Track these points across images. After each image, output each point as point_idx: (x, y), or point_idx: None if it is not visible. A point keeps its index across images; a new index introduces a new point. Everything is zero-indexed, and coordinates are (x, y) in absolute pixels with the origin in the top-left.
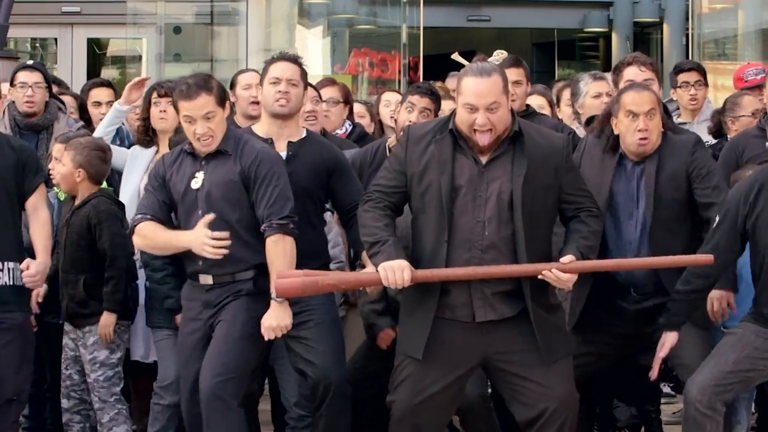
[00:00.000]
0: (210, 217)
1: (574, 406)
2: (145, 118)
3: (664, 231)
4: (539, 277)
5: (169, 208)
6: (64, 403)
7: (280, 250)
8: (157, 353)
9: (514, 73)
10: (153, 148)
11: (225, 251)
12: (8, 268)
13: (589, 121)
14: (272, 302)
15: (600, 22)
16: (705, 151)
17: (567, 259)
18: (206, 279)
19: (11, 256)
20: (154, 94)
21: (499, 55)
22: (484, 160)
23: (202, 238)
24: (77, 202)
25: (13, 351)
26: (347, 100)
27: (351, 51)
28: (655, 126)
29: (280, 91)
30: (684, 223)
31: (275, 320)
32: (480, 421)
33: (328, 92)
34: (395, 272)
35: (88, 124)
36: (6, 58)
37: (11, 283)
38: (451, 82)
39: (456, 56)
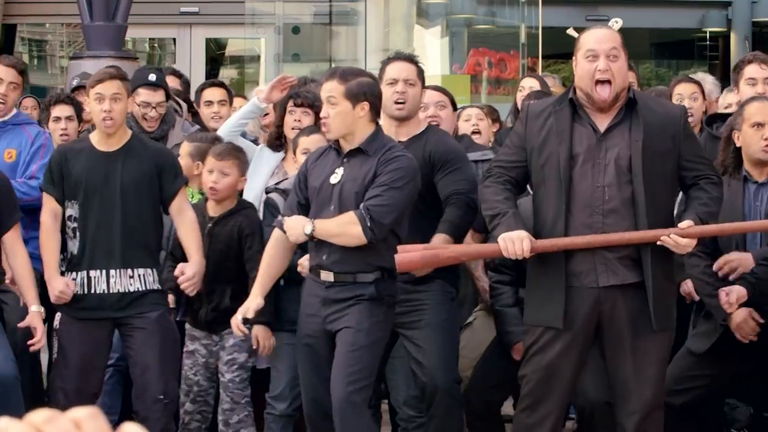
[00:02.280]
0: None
1: (658, 415)
2: (279, 126)
3: None
4: (658, 243)
5: (307, 208)
6: (188, 406)
7: (344, 220)
8: (270, 361)
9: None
10: (281, 153)
11: None
12: (138, 275)
13: (710, 120)
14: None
15: (719, 22)
16: None
17: (685, 224)
18: (327, 276)
19: (143, 263)
20: (290, 103)
21: (616, 25)
22: (602, 128)
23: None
24: (222, 211)
25: (154, 349)
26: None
27: (469, 51)
28: None
29: (397, 92)
30: None
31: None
32: (601, 426)
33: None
34: (515, 242)
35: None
36: (124, 58)
37: (144, 288)
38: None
39: (571, 31)
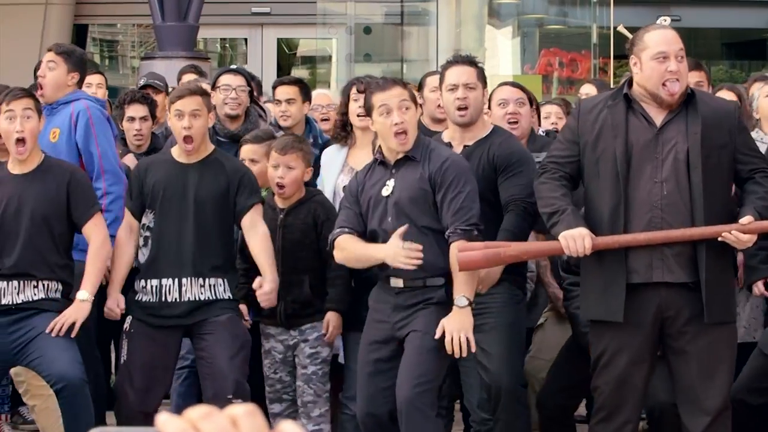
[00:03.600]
0: (403, 228)
1: (726, 417)
2: (344, 113)
3: None
4: (719, 239)
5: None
6: (275, 407)
7: None
8: (345, 360)
9: (695, 76)
10: (346, 148)
11: (419, 262)
12: (210, 284)
13: None
14: (454, 307)
15: None
16: None
17: (746, 219)
18: (397, 282)
19: (215, 273)
20: (353, 90)
21: (665, 21)
22: (658, 122)
23: (396, 250)
24: (292, 201)
25: (223, 351)
26: (532, 102)
27: (541, 51)
28: None
29: (458, 98)
30: None
31: (458, 324)
32: (668, 427)
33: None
34: (576, 240)
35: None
36: (196, 58)
37: (213, 297)
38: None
39: (621, 28)
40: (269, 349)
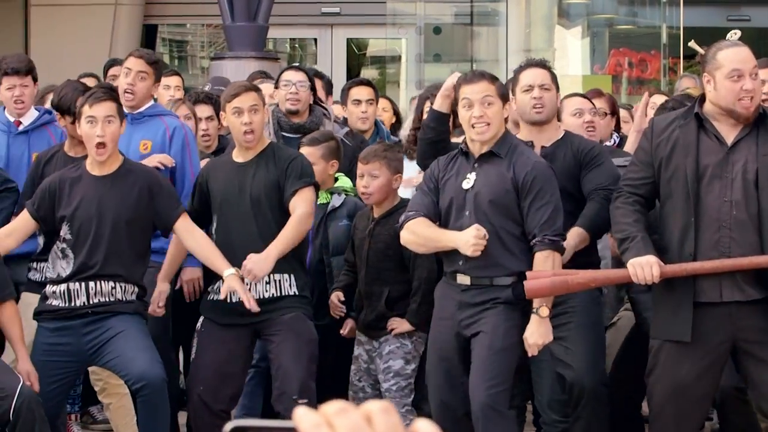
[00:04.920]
0: (483, 231)
1: None
2: (417, 128)
3: None
4: None
5: (440, 209)
6: None
7: (549, 267)
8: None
9: (764, 74)
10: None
11: (482, 246)
12: (275, 280)
13: None
14: (533, 317)
15: None
16: None
17: None
18: (464, 279)
19: (280, 269)
20: (427, 104)
21: (735, 35)
22: (729, 141)
23: (470, 237)
24: (381, 211)
25: (289, 350)
26: (614, 111)
27: (610, 51)
28: None
29: (534, 98)
30: None
31: (540, 338)
32: (736, 413)
33: (596, 104)
34: (644, 268)
35: (345, 123)
36: (266, 58)
37: (279, 294)
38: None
39: (692, 44)
40: (357, 356)
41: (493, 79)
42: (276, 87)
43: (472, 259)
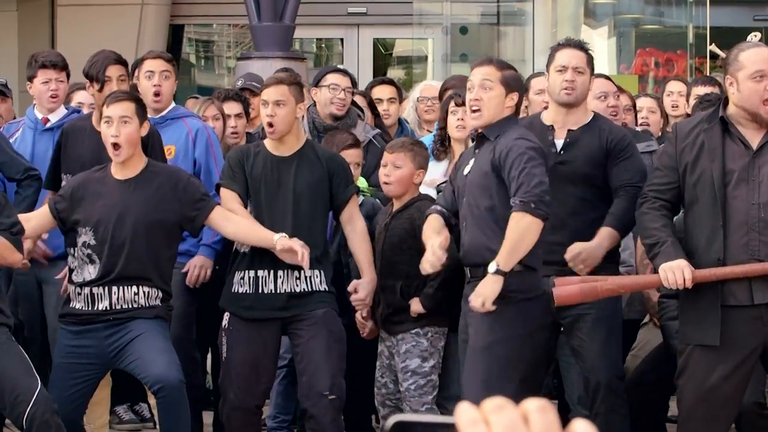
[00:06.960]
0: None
1: None
2: (442, 128)
3: None
4: None
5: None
6: (382, 411)
7: (513, 227)
8: (441, 360)
9: None
10: (445, 163)
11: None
12: (306, 276)
13: None
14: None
15: None
16: None
17: None
18: (467, 271)
19: (311, 265)
20: (452, 104)
21: (755, 38)
22: (754, 144)
23: (429, 254)
24: (398, 205)
25: (319, 346)
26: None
27: (636, 51)
28: None
29: (566, 80)
30: None
31: (480, 288)
32: (753, 428)
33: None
34: (675, 273)
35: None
36: (292, 58)
37: (309, 289)
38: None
39: (713, 48)
40: (380, 352)
41: (501, 65)
42: (316, 85)
43: (467, 247)
